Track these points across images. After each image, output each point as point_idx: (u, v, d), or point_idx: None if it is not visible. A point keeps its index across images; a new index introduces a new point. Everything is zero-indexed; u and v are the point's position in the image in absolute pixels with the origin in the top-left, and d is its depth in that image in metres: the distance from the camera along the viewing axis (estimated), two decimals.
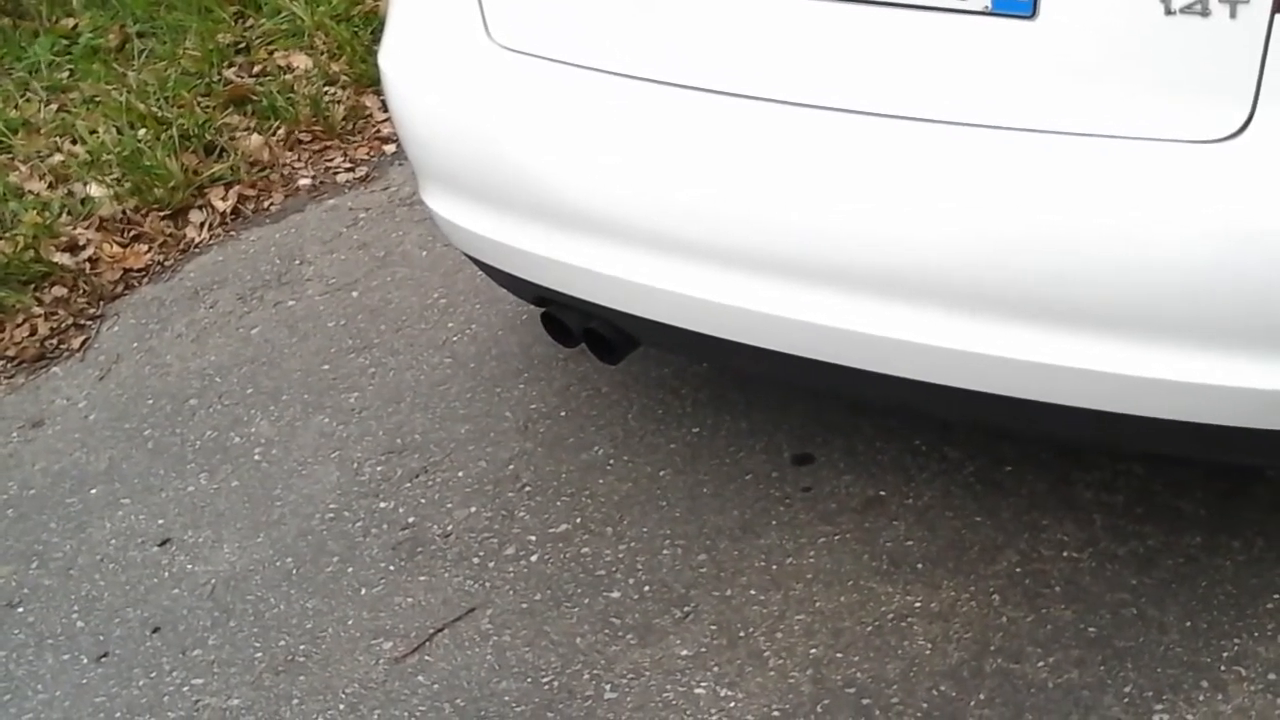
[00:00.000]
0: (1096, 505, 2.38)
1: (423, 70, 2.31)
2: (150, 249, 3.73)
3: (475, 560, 2.53)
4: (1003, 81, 1.78)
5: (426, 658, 2.37)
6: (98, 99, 4.28)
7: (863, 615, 2.27)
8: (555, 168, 2.15)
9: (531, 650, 2.33)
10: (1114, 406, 1.86)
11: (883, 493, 2.48)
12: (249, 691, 2.38)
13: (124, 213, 3.81)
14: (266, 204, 3.89)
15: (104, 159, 3.97)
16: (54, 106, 4.35)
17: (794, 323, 2.01)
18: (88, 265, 3.67)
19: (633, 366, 2.86)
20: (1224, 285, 1.70)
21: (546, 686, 2.27)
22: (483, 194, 2.29)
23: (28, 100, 4.40)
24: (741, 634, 2.28)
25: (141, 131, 4.05)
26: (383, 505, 2.71)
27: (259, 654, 2.45)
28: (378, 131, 4.11)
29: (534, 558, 2.51)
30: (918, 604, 2.27)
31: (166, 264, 3.70)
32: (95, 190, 3.88)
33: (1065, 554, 2.30)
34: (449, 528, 2.61)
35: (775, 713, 2.15)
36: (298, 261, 3.58)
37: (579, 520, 2.56)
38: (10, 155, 4.11)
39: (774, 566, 2.39)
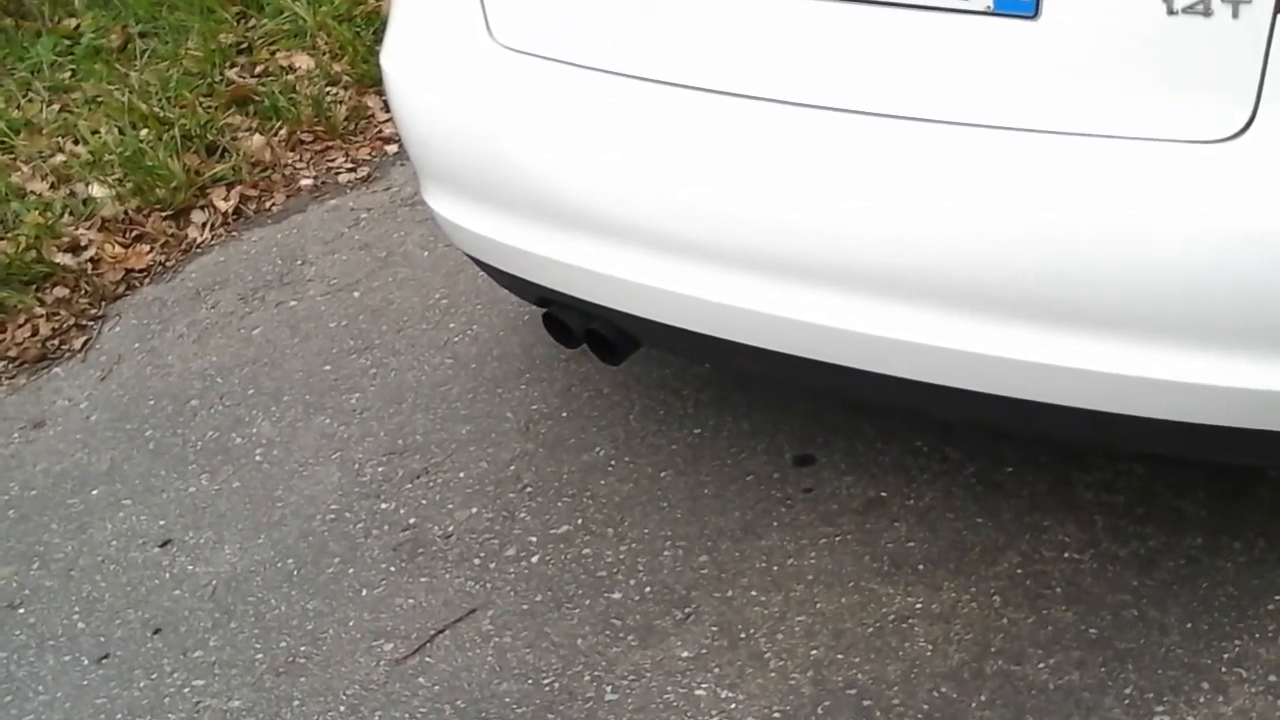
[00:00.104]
0: (1097, 506, 2.37)
1: (425, 70, 2.31)
2: (152, 249, 3.73)
3: (476, 561, 2.53)
4: (1004, 81, 1.77)
5: (427, 659, 2.37)
6: (100, 99, 4.28)
7: (864, 616, 2.27)
8: (557, 168, 2.15)
9: (532, 651, 2.33)
10: (1113, 407, 1.86)
11: (884, 494, 2.48)
12: (250, 693, 2.38)
13: (126, 213, 3.81)
14: (268, 204, 3.89)
15: (106, 159, 3.97)
16: (56, 107, 4.35)
17: (795, 323, 2.01)
18: (89, 266, 3.67)
19: (634, 367, 2.86)
20: (1224, 285, 1.70)
21: (547, 688, 2.27)
22: (484, 194, 2.29)
23: (30, 100, 4.40)
24: (742, 635, 2.28)
25: (143, 132, 4.05)
26: (384, 506, 2.70)
27: (260, 655, 2.45)
28: (379, 132, 4.11)
29: (535, 559, 2.51)
30: (919, 605, 2.26)
31: (168, 264, 3.70)
32: (97, 190, 3.88)
33: (1066, 555, 2.30)
34: (450, 529, 2.61)
35: (776, 714, 2.15)
36: (299, 262, 3.58)
37: (580, 521, 2.56)
38: (12, 155, 4.11)
39: (775, 568, 2.38)
